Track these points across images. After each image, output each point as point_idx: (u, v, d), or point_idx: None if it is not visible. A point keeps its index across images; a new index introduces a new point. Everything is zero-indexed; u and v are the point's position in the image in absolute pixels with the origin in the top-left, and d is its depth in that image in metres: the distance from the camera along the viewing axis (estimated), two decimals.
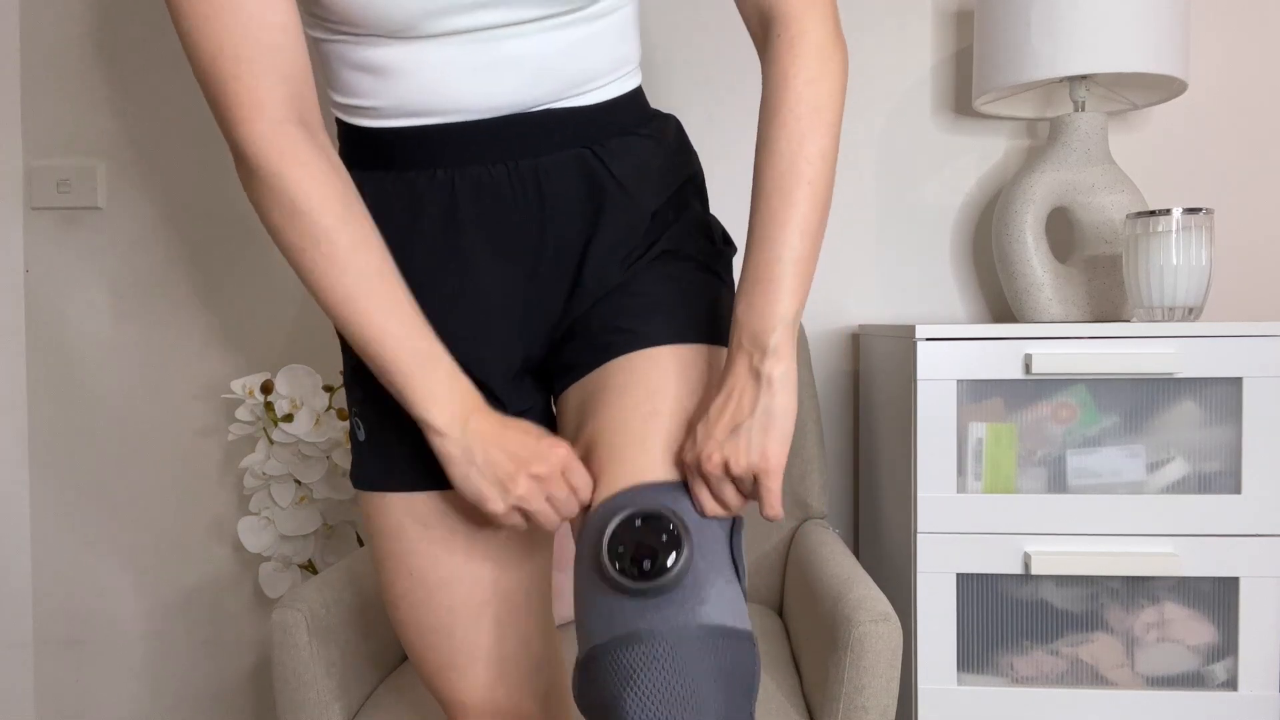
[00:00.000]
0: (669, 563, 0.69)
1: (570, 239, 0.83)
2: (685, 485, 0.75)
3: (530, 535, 0.91)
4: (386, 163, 0.83)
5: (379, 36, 0.77)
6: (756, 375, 0.72)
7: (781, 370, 0.72)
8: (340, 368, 1.78)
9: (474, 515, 0.87)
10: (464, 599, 0.87)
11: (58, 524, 1.83)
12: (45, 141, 1.79)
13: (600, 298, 0.84)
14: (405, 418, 0.84)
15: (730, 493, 0.73)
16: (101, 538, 1.82)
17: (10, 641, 1.81)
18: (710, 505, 0.74)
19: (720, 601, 0.70)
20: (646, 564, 0.69)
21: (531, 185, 0.82)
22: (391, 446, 0.87)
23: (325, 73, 0.82)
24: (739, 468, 0.71)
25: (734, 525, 0.76)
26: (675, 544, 0.69)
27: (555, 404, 0.90)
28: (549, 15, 0.77)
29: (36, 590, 1.84)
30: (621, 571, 0.69)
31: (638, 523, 0.70)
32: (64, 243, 1.80)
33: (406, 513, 0.86)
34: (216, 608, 1.82)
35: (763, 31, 0.78)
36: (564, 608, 1.41)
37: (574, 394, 0.85)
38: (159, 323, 1.80)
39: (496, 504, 0.77)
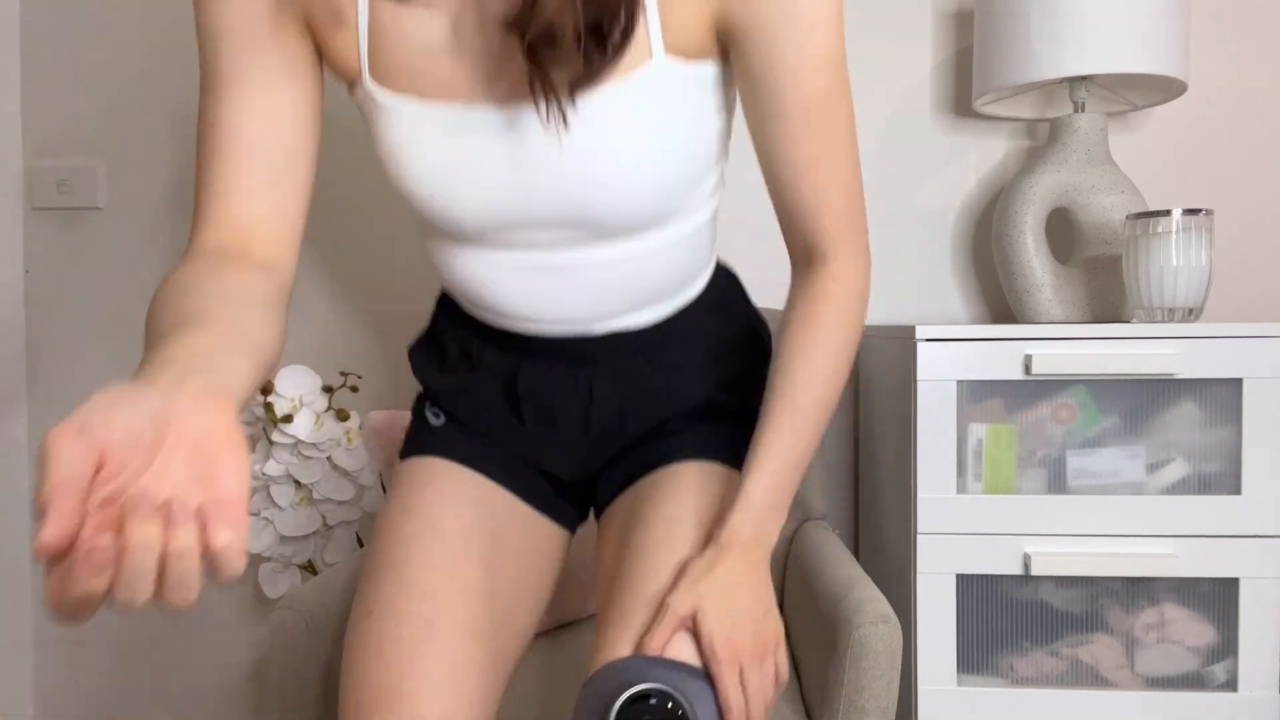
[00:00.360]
0: None
1: (612, 424, 0.93)
2: (705, 673, 0.74)
3: (539, 583, 0.93)
4: (469, 326, 0.94)
5: (456, 240, 0.83)
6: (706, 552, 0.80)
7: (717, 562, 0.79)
8: (339, 368, 1.78)
9: (500, 540, 0.89)
10: (448, 617, 0.82)
11: None
12: (45, 141, 1.79)
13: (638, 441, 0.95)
14: (495, 413, 0.93)
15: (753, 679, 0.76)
16: None
17: (10, 641, 1.81)
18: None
19: None
20: None
21: (584, 385, 0.91)
22: (469, 433, 0.93)
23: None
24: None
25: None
26: None
27: (599, 520, 0.97)
28: (619, 237, 0.81)
29: (36, 590, 1.84)
30: None
31: (653, 700, 0.69)
32: (64, 243, 1.80)
33: (434, 518, 0.86)
34: (216, 608, 1.82)
35: (805, 259, 0.85)
36: (568, 607, 1.41)
37: (619, 505, 0.93)
38: None
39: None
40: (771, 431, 0.82)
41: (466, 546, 0.85)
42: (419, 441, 0.95)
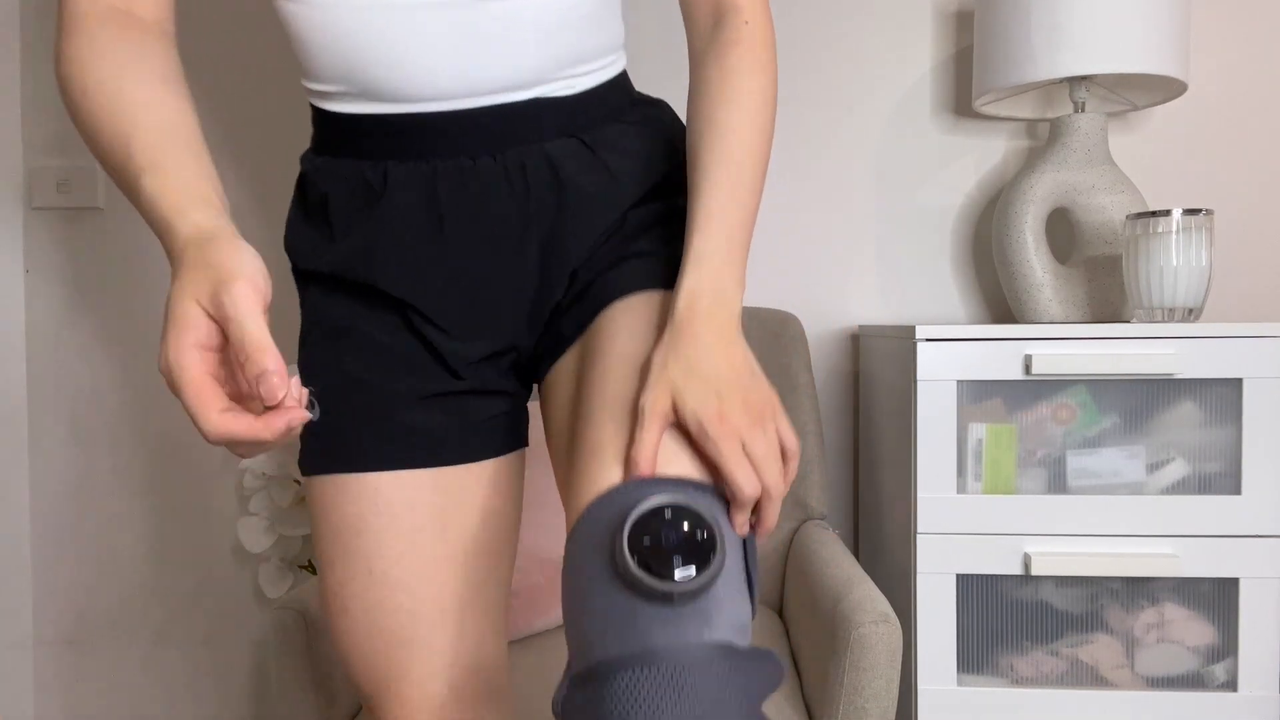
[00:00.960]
0: (706, 566, 0.59)
1: (556, 231, 0.79)
2: (716, 489, 0.66)
3: (506, 519, 0.84)
4: (359, 151, 0.78)
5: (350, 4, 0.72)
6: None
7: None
8: None
9: (451, 498, 0.80)
10: (429, 600, 0.78)
11: (58, 524, 1.83)
12: (45, 141, 1.79)
13: (584, 289, 0.81)
14: (370, 384, 0.79)
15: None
16: (101, 537, 1.82)
17: (10, 641, 1.81)
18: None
19: (734, 619, 0.62)
20: (677, 560, 0.59)
21: (517, 178, 0.78)
22: (353, 418, 0.79)
23: (297, 53, 0.78)
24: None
25: (748, 537, 0.68)
26: (710, 547, 0.60)
27: (540, 390, 0.85)
28: None
29: (36, 590, 1.84)
30: (645, 568, 0.59)
31: (667, 514, 0.60)
32: (64, 243, 1.80)
33: (370, 501, 0.78)
34: (216, 608, 1.82)
35: (711, 19, 0.79)
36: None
37: (565, 362, 0.80)
38: (159, 323, 1.80)
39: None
40: (711, 186, 0.73)
41: (418, 550, 0.79)
42: (306, 448, 0.81)
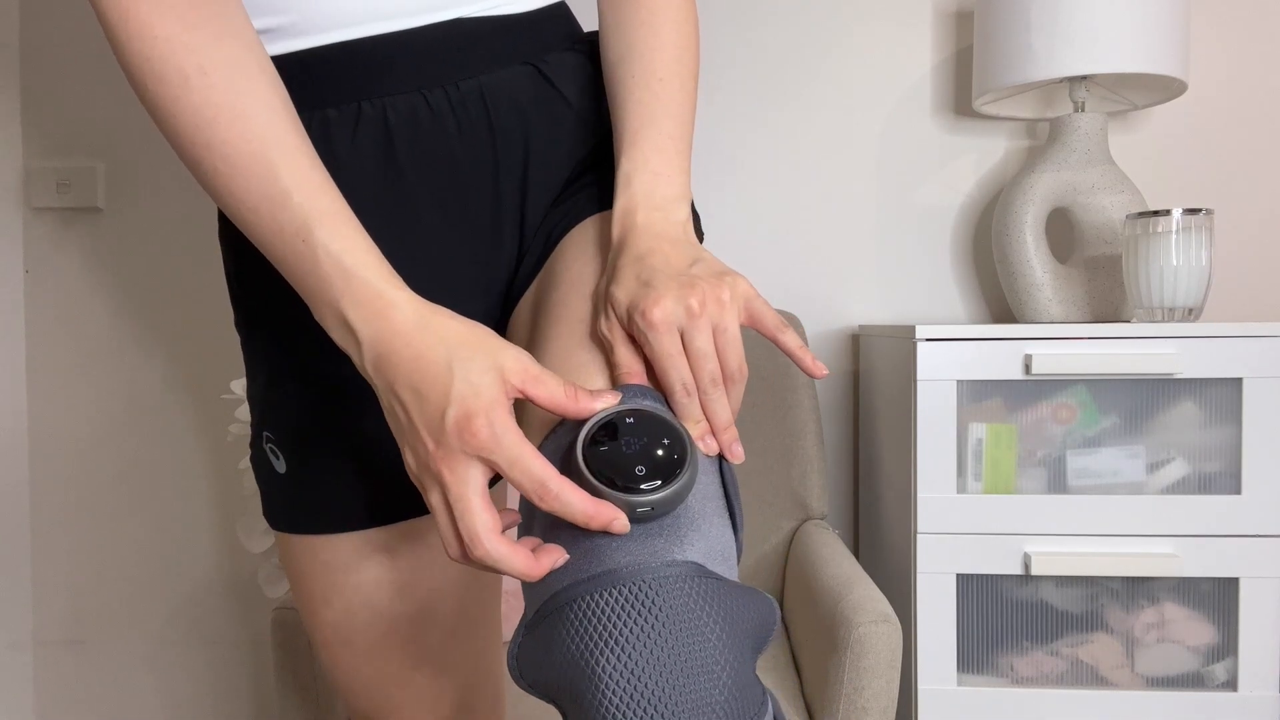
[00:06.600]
0: (673, 479, 0.51)
1: (526, 182, 0.70)
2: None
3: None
4: (301, 101, 0.64)
5: None
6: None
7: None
8: None
9: (420, 586, 0.74)
10: (431, 635, 0.74)
11: (58, 524, 1.83)
12: (45, 141, 1.79)
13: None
14: (344, 437, 0.70)
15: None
16: (101, 538, 1.82)
17: (10, 641, 1.81)
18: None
19: (714, 545, 0.53)
20: (640, 470, 0.50)
21: (478, 113, 0.67)
22: (328, 476, 0.70)
23: None
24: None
25: (722, 458, 0.59)
26: (679, 453, 0.52)
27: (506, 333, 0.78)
28: None
29: (36, 590, 1.84)
30: (602, 477, 0.50)
31: (629, 420, 0.52)
32: (64, 243, 1.80)
33: (361, 544, 0.72)
34: (216, 608, 1.82)
35: None
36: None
37: (523, 304, 0.72)
38: (159, 323, 1.80)
39: (411, 471, 0.54)
40: (634, 105, 0.65)
41: (418, 626, 0.74)
42: (272, 504, 0.75)
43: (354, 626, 0.73)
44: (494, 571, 0.52)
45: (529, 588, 0.53)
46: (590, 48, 0.75)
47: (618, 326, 0.57)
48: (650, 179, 0.62)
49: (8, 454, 1.80)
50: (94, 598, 1.83)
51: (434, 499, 0.52)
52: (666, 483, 0.50)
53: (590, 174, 0.73)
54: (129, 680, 1.84)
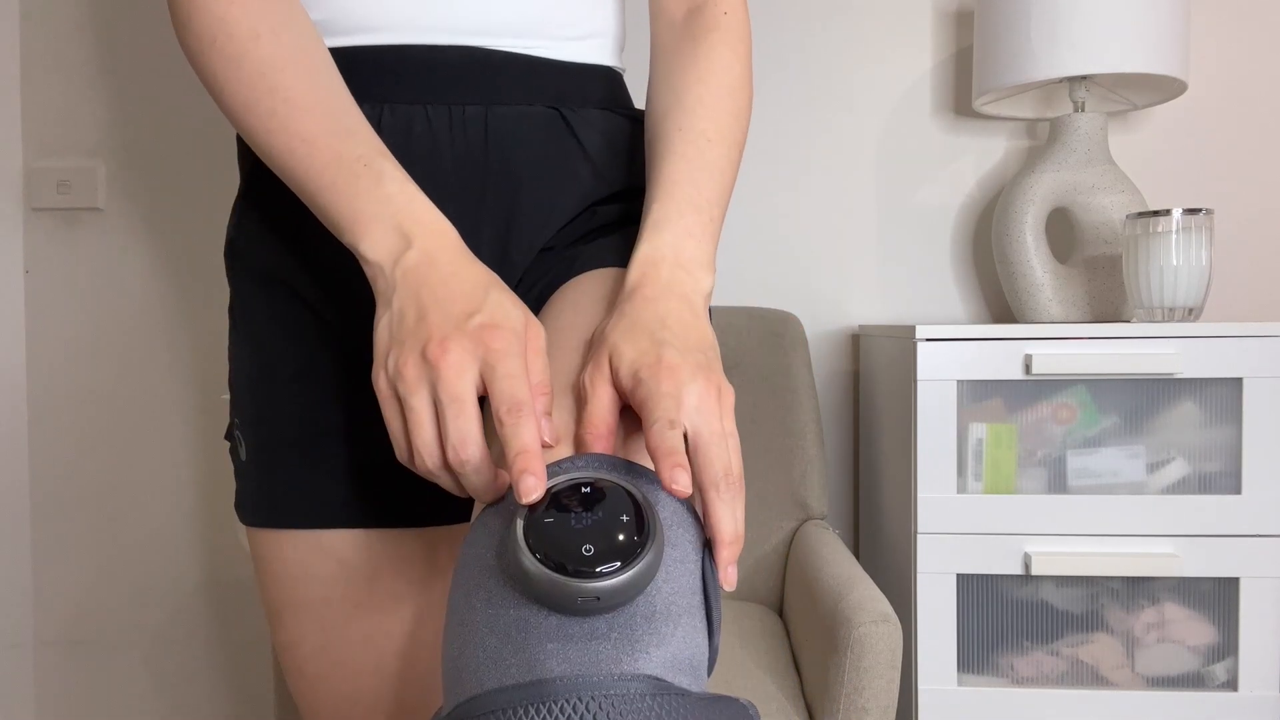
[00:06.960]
0: (633, 554, 0.42)
1: (513, 217, 0.69)
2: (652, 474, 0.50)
3: (453, 546, 0.71)
4: None
5: None
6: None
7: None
8: None
9: (410, 543, 0.69)
10: (394, 654, 0.68)
11: (58, 524, 1.83)
12: (45, 141, 1.79)
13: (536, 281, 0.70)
14: (304, 428, 0.67)
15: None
16: (101, 538, 1.82)
17: (10, 641, 1.81)
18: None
19: (680, 652, 0.44)
20: (588, 550, 0.42)
21: (476, 140, 0.67)
22: (287, 468, 0.68)
23: None
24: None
25: (705, 549, 0.49)
26: (640, 533, 0.43)
27: None
28: None
29: (37, 590, 1.84)
30: (546, 561, 0.41)
31: (585, 490, 0.44)
32: (64, 243, 1.80)
33: (317, 549, 0.67)
34: (217, 607, 1.82)
35: (685, 10, 0.71)
36: None
37: None
38: (159, 323, 1.80)
39: (376, 379, 0.52)
40: (675, 158, 0.63)
41: (380, 646, 0.69)
42: (241, 494, 0.72)
43: (309, 649, 0.70)
44: (453, 484, 0.50)
45: (448, 674, 0.45)
46: (632, 114, 0.75)
47: (604, 375, 0.52)
48: (682, 233, 0.60)
49: (8, 454, 1.80)
50: (94, 598, 1.83)
51: (416, 401, 0.49)
52: (624, 567, 0.41)
53: (599, 229, 0.72)
54: (129, 680, 1.84)
